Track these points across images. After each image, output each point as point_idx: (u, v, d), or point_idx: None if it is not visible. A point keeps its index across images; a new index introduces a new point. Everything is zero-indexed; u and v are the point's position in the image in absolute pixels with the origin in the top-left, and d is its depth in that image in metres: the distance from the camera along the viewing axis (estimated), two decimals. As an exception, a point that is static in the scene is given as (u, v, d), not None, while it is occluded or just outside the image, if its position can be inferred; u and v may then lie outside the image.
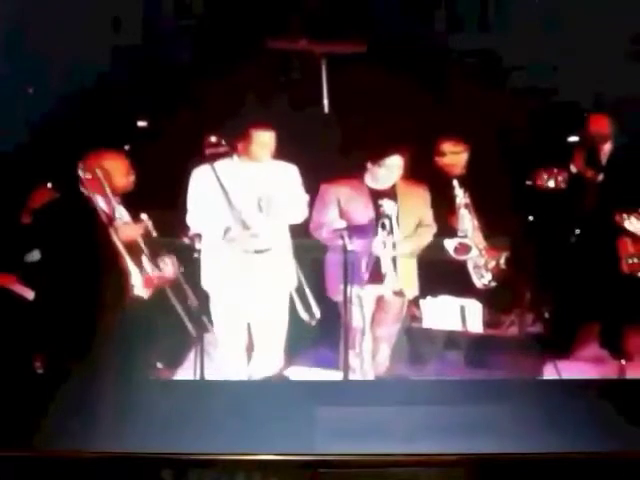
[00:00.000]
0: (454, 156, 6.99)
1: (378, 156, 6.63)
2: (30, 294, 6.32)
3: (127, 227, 6.20)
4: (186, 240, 6.35)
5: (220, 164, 6.49)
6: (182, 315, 6.42)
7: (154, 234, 6.29)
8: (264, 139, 6.45)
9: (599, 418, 5.62)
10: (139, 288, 6.16)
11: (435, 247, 6.76)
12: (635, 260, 6.73)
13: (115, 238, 6.12)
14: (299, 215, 6.59)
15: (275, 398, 5.77)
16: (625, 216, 6.61)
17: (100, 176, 6.16)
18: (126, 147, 6.60)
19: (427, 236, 6.74)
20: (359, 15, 7.66)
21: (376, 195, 6.69)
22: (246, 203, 6.45)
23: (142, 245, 6.25)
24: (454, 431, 5.67)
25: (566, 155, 7.03)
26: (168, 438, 5.46)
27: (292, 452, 5.34)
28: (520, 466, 5.25)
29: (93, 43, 7.27)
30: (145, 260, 6.23)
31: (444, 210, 6.85)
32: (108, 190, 6.17)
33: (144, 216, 6.28)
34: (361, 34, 7.59)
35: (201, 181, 6.49)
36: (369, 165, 6.65)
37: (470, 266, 6.88)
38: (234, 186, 6.46)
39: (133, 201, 6.32)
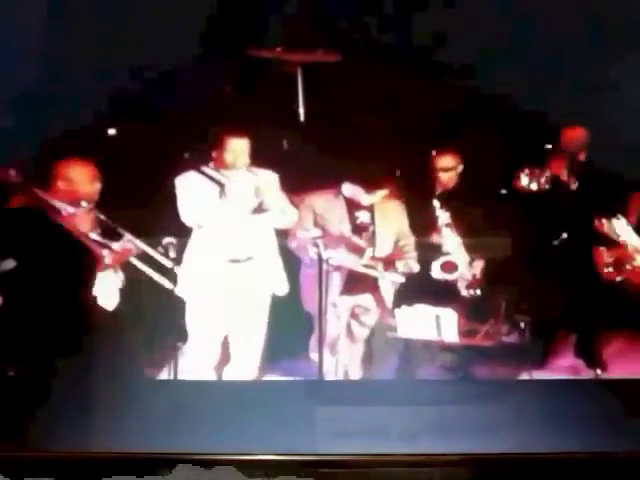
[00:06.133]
0: (447, 172, 6.97)
1: (368, 188, 6.61)
2: None
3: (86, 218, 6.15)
4: (160, 249, 6.30)
5: (203, 170, 6.48)
6: (156, 275, 6.34)
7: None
8: (238, 146, 6.43)
9: (600, 418, 5.63)
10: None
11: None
12: (611, 269, 6.72)
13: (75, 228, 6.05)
14: (289, 220, 6.57)
15: (275, 398, 5.76)
16: (604, 221, 6.61)
17: (67, 183, 6.12)
18: (94, 155, 6.49)
19: (412, 252, 6.74)
20: (333, 22, 7.67)
21: (352, 206, 6.68)
22: (233, 209, 6.44)
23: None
24: (454, 431, 5.67)
25: (542, 161, 7.01)
26: (168, 438, 5.45)
27: (292, 452, 5.33)
28: (521, 466, 5.24)
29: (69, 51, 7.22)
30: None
31: (426, 228, 6.85)
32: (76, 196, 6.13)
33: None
34: (335, 42, 7.60)
35: (190, 184, 6.47)
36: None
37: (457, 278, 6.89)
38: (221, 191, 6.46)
39: (106, 211, 6.27)
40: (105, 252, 6.10)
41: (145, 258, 6.30)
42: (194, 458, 5.18)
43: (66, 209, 6.11)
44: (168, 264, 6.28)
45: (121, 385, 5.80)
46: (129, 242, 6.21)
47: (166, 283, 6.29)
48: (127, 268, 6.29)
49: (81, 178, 6.17)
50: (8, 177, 6.14)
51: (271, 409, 5.66)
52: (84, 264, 5.94)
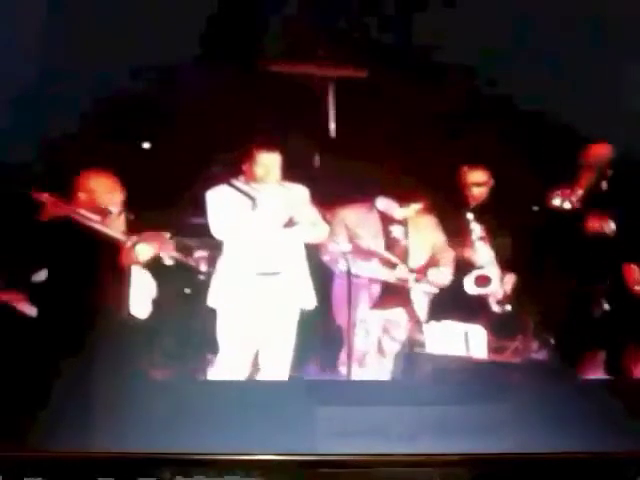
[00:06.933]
0: (479, 187, 6.97)
1: (401, 202, 6.65)
2: (34, 312, 6.25)
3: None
4: (192, 262, 6.33)
5: (234, 184, 6.48)
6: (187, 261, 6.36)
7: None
8: (269, 160, 6.43)
9: (601, 418, 5.63)
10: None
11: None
12: None
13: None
14: (321, 235, 6.57)
15: (275, 398, 5.76)
16: None
17: (89, 194, 6.14)
18: (118, 166, 6.50)
19: (449, 264, 6.74)
20: (362, 39, 7.68)
21: (386, 220, 6.69)
22: (264, 223, 6.45)
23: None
24: (454, 431, 5.67)
25: (573, 178, 7.00)
26: (167, 438, 5.45)
27: (292, 452, 5.33)
28: (521, 466, 5.24)
29: (93, 59, 7.23)
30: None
31: (459, 242, 6.85)
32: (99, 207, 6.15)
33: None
34: (362, 58, 7.61)
35: (221, 197, 6.46)
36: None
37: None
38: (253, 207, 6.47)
39: (136, 224, 6.29)
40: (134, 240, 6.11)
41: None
42: (194, 458, 5.19)
43: (94, 218, 6.13)
44: (200, 277, 6.34)
45: (122, 385, 5.81)
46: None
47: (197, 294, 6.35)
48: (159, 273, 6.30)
49: (102, 189, 6.17)
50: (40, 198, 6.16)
51: (271, 409, 5.66)
52: (114, 269, 5.99)
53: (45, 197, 6.08)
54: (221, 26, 7.58)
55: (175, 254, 6.26)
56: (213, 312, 6.49)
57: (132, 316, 6.07)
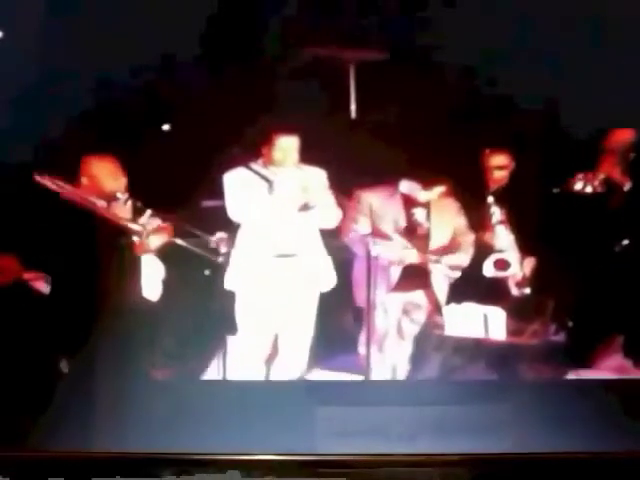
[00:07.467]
0: (501, 170, 6.98)
1: (425, 185, 6.67)
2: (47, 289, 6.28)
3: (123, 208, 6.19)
4: (212, 244, 6.35)
5: (252, 167, 6.50)
6: (201, 252, 6.38)
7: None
8: (287, 144, 6.45)
9: (601, 418, 5.63)
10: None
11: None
12: None
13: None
14: (333, 219, 6.59)
15: (276, 398, 5.76)
16: None
17: (91, 180, 6.16)
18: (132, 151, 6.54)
19: (469, 248, 6.77)
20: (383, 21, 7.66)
21: (409, 203, 6.71)
22: (281, 206, 6.47)
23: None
24: (454, 431, 5.67)
25: (593, 162, 6.99)
26: (167, 438, 5.45)
27: (292, 452, 5.33)
28: (521, 466, 5.24)
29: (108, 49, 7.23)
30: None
31: (479, 225, 6.86)
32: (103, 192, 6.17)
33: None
34: (384, 40, 7.58)
35: (238, 180, 6.49)
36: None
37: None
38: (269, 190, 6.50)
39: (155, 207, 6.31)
40: (145, 231, 6.12)
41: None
42: (194, 458, 5.19)
43: (101, 203, 6.15)
44: (218, 259, 6.34)
45: (122, 385, 5.81)
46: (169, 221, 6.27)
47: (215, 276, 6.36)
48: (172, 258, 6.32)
49: (104, 174, 6.19)
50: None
51: (271, 409, 5.66)
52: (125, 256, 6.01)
53: (54, 183, 6.10)
54: (228, 22, 7.57)
55: (184, 243, 6.29)
56: (231, 294, 6.51)
57: (144, 299, 6.11)
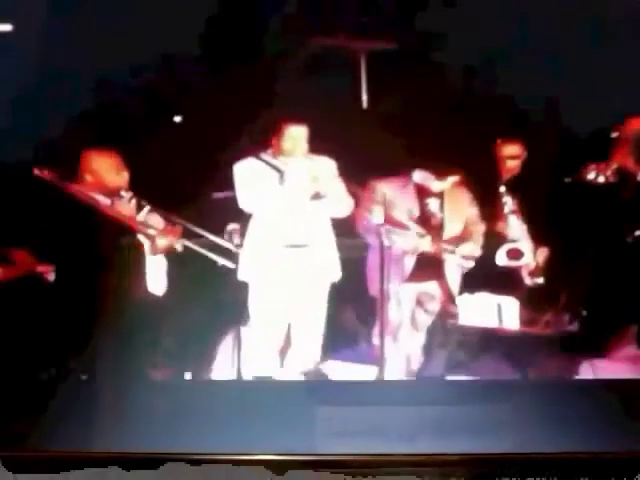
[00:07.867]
0: (513, 160, 6.99)
1: (438, 175, 6.69)
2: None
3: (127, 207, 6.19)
4: (225, 235, 6.34)
5: (262, 157, 6.51)
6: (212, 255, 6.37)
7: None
8: (297, 134, 6.46)
9: (601, 418, 5.62)
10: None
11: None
12: None
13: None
14: (345, 209, 6.58)
15: (275, 398, 5.76)
16: None
17: (93, 175, 6.15)
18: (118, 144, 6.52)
19: (480, 238, 6.78)
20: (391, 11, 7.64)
21: (422, 193, 6.71)
22: (291, 196, 6.49)
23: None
24: (454, 431, 5.67)
25: (606, 152, 6.98)
26: (167, 438, 5.45)
27: (292, 452, 5.33)
28: (521, 466, 5.24)
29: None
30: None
31: (492, 215, 6.86)
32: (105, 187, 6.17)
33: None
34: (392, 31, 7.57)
35: (248, 170, 6.51)
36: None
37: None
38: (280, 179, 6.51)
39: (162, 202, 6.31)
40: (153, 233, 6.13)
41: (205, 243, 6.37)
42: (194, 458, 5.19)
43: (105, 201, 6.15)
44: (232, 249, 6.35)
45: (123, 385, 5.81)
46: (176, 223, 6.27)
47: (228, 265, 6.34)
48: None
49: (106, 169, 6.19)
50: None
51: (271, 409, 5.66)
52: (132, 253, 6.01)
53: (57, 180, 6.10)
54: (238, 12, 7.56)
55: (191, 244, 6.30)
56: (243, 285, 6.52)
57: (149, 294, 6.14)
